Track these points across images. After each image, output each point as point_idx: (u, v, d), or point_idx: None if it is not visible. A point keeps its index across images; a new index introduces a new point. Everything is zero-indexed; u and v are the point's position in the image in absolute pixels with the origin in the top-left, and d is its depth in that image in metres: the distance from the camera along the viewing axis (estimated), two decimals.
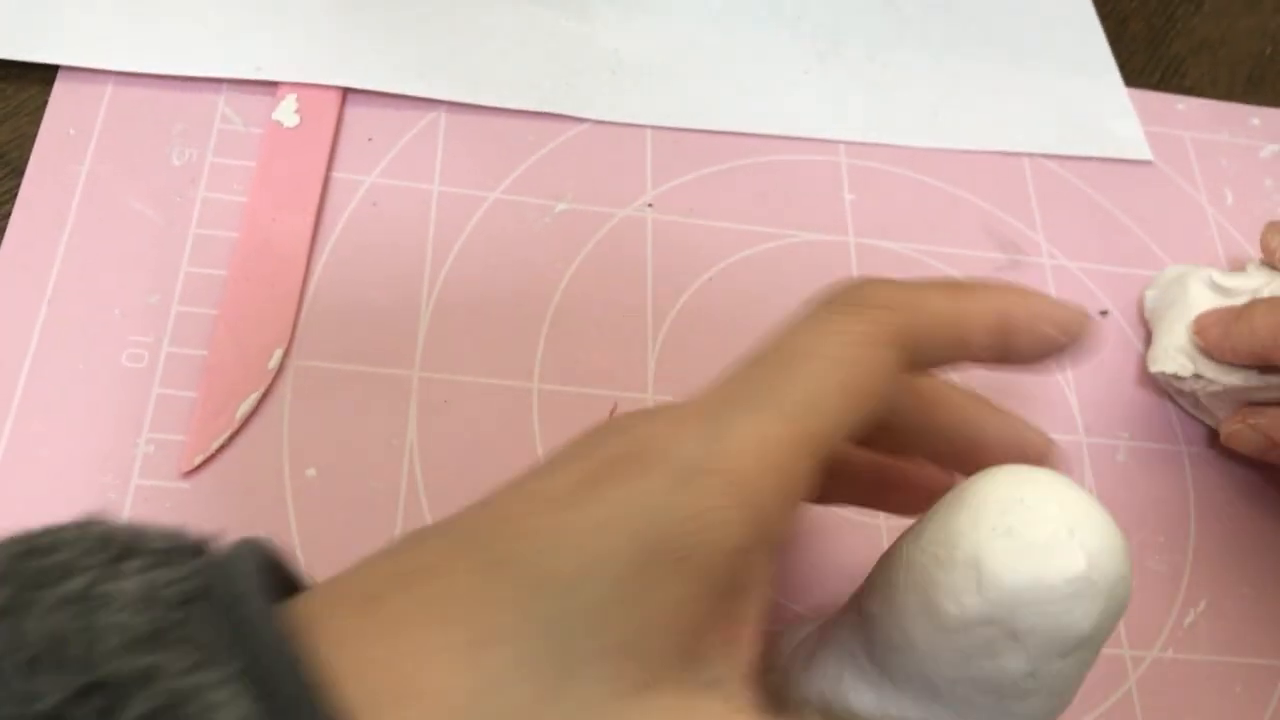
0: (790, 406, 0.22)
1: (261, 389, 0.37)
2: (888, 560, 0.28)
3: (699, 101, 0.48)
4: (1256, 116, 0.53)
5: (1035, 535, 0.25)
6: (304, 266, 0.40)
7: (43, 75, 0.43)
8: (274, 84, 0.44)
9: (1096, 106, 0.52)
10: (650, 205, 0.45)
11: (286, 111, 0.43)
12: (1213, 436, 0.43)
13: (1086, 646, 0.25)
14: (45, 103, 0.42)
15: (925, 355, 0.25)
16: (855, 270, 0.45)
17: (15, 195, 0.40)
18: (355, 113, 0.44)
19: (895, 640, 0.27)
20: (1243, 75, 0.56)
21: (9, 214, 0.39)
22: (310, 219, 0.41)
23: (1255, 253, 0.45)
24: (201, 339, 0.38)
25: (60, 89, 0.42)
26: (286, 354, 0.38)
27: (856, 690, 0.28)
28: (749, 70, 0.49)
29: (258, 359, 0.38)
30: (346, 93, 0.44)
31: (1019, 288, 0.26)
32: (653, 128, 0.47)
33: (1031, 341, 0.26)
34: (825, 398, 0.23)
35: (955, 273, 0.46)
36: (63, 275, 0.38)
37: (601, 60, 0.48)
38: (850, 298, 0.25)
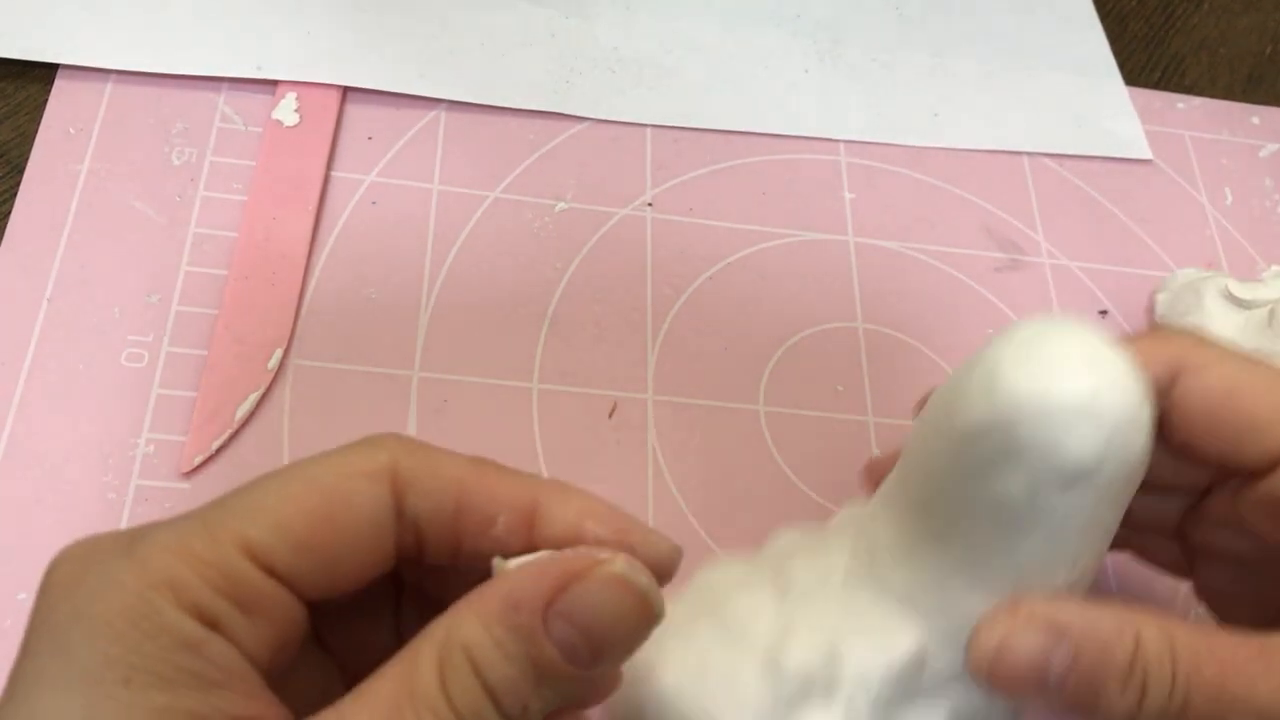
0: (229, 512, 0.22)
1: (261, 389, 0.37)
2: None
3: (699, 101, 0.48)
4: (1256, 115, 0.53)
5: (1052, 357, 0.26)
6: (304, 266, 0.40)
7: (43, 74, 0.43)
8: (274, 83, 0.44)
9: (1096, 106, 0.52)
10: (650, 204, 0.45)
11: (286, 110, 0.43)
12: None
13: (1086, 484, 0.26)
14: (45, 101, 0.42)
15: (422, 511, 0.23)
16: (855, 269, 0.45)
17: (15, 194, 0.40)
18: (355, 112, 0.44)
19: (915, 460, 0.28)
20: (1243, 74, 0.56)
21: (9, 213, 0.39)
22: (310, 218, 0.41)
23: (1255, 252, 0.45)
24: (201, 339, 0.38)
25: (60, 88, 0.42)
26: (286, 354, 0.38)
27: (883, 531, 0.29)
28: (749, 69, 0.49)
29: (257, 359, 0.38)
30: (346, 92, 0.44)
31: (568, 485, 0.24)
32: (652, 127, 0.47)
33: (567, 541, 0.23)
34: (279, 509, 0.22)
35: (956, 272, 0.46)
36: (62, 274, 0.38)
37: (601, 59, 0.48)
38: (362, 439, 0.23)
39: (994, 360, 0.26)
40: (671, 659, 0.29)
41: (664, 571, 0.23)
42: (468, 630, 0.21)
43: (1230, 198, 0.50)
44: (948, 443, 0.27)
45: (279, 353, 0.38)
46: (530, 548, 0.23)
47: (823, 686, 0.28)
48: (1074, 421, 0.25)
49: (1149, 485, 0.30)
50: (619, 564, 0.22)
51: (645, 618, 0.22)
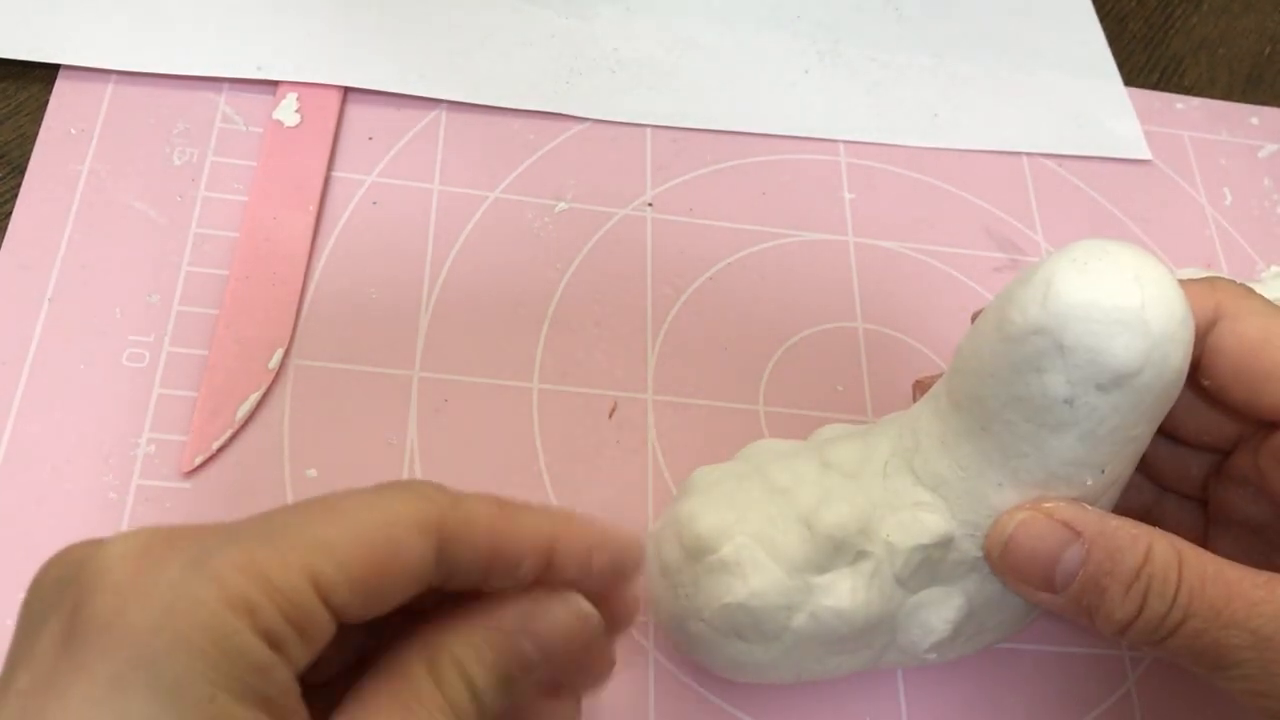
0: (296, 539, 0.23)
1: (262, 389, 0.37)
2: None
3: (699, 101, 0.48)
4: (1256, 116, 0.53)
5: (1104, 270, 0.28)
6: (304, 266, 0.40)
7: (44, 74, 0.43)
8: (275, 83, 0.44)
9: (1096, 106, 0.52)
10: (650, 205, 0.45)
11: (287, 111, 0.43)
12: None
13: (1124, 388, 0.28)
14: (46, 102, 0.42)
15: (461, 559, 0.25)
16: (855, 269, 0.45)
17: (16, 194, 0.40)
18: (356, 112, 0.44)
19: (966, 358, 0.30)
20: (1242, 74, 0.56)
21: (10, 213, 0.39)
22: (311, 218, 0.41)
23: (1254, 253, 0.45)
24: (202, 338, 0.38)
25: (61, 88, 0.42)
26: (287, 354, 0.38)
27: (927, 423, 0.31)
28: (749, 69, 0.49)
29: (258, 359, 0.38)
30: (347, 92, 0.45)
31: (570, 514, 0.26)
32: (652, 127, 0.47)
33: (578, 572, 0.26)
34: (341, 547, 0.23)
35: (956, 272, 0.46)
36: (63, 274, 0.39)
37: (601, 59, 0.48)
38: (403, 483, 0.25)
39: (1050, 270, 0.28)
40: (716, 506, 0.31)
41: (633, 574, 0.28)
42: (458, 648, 0.25)
43: (1229, 198, 0.50)
44: (998, 342, 0.29)
45: (279, 353, 0.38)
46: (546, 579, 0.26)
47: (852, 552, 0.31)
48: (1119, 330, 0.27)
49: (1178, 437, 0.33)
50: (576, 601, 0.26)
51: (588, 637, 0.26)
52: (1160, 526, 0.36)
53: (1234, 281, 0.32)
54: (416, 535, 0.24)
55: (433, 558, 0.24)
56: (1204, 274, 0.44)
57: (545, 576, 0.26)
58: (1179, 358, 0.28)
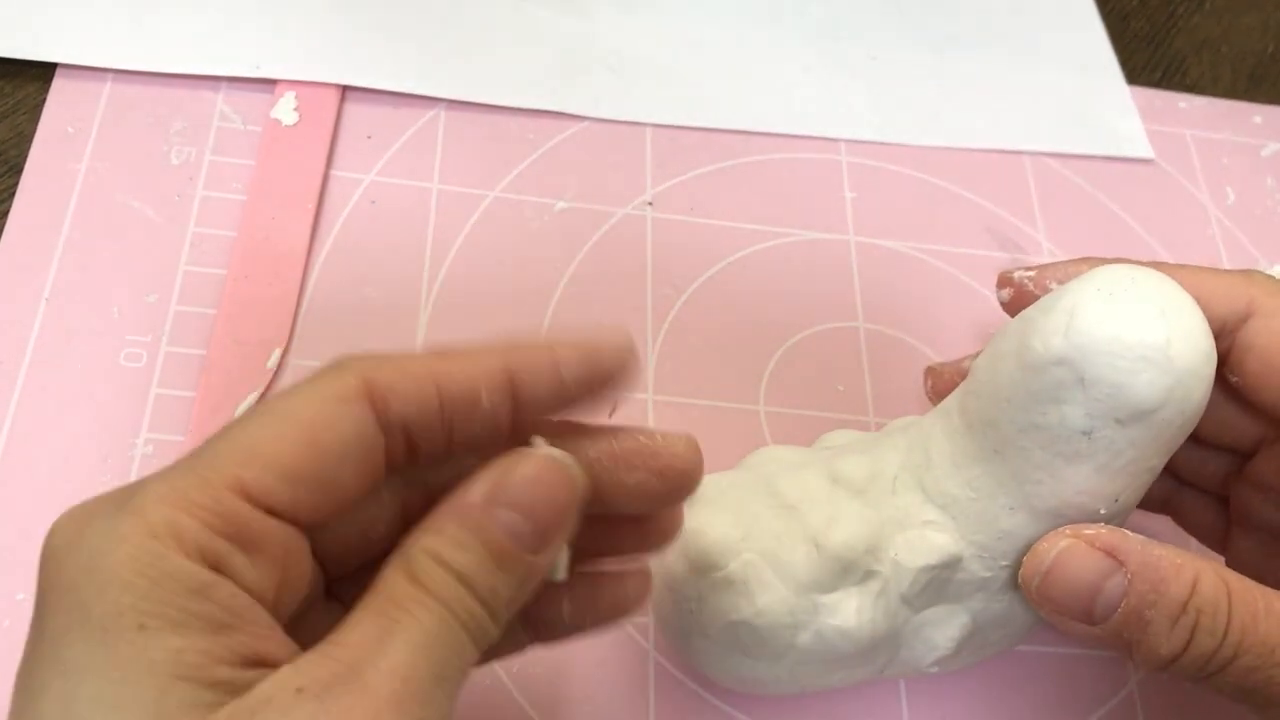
0: (216, 456, 0.22)
1: (260, 389, 0.37)
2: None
3: (699, 99, 0.48)
4: (1258, 114, 0.53)
5: (1131, 303, 0.27)
6: (303, 265, 0.40)
7: (41, 73, 0.42)
8: (273, 82, 0.44)
9: (1098, 104, 0.51)
10: (650, 203, 0.45)
11: (285, 109, 0.43)
12: None
13: (1143, 423, 0.27)
14: (43, 101, 0.42)
15: (408, 414, 0.23)
16: (855, 269, 0.45)
17: (14, 193, 0.40)
18: (354, 110, 0.44)
19: (982, 380, 0.30)
20: (1245, 73, 0.55)
21: (7, 212, 0.39)
22: (309, 218, 0.41)
23: (1257, 252, 0.45)
24: (200, 338, 0.38)
25: (58, 87, 0.42)
26: (285, 353, 0.38)
27: (938, 441, 0.31)
28: (749, 68, 0.49)
29: (256, 358, 0.38)
30: (345, 90, 0.44)
31: (524, 337, 0.25)
32: (653, 126, 0.47)
33: (551, 389, 0.24)
34: (263, 446, 0.22)
35: (957, 272, 0.45)
36: (61, 274, 0.38)
37: (601, 58, 0.48)
38: (324, 365, 0.24)
39: (1074, 300, 0.28)
40: (722, 520, 0.31)
41: (625, 370, 0.25)
42: (426, 540, 0.23)
43: (1232, 197, 0.50)
44: (1017, 369, 0.28)
45: (278, 352, 0.38)
46: (520, 412, 0.24)
47: (860, 572, 0.30)
48: (1143, 367, 0.27)
49: (1200, 438, 0.31)
50: (542, 449, 0.24)
51: (571, 488, 0.24)
52: (1179, 520, 0.36)
53: (1272, 277, 0.31)
54: (339, 404, 0.23)
55: (371, 421, 0.23)
56: None
57: (521, 410, 0.24)
58: (1200, 393, 0.28)
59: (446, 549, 0.22)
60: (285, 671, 0.21)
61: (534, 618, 0.26)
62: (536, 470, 0.23)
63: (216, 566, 0.21)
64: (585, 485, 0.24)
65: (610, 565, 0.27)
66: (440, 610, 0.22)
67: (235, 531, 0.21)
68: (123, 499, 0.22)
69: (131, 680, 0.20)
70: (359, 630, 0.22)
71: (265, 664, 0.21)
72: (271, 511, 0.22)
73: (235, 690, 0.20)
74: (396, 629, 0.21)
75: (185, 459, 0.23)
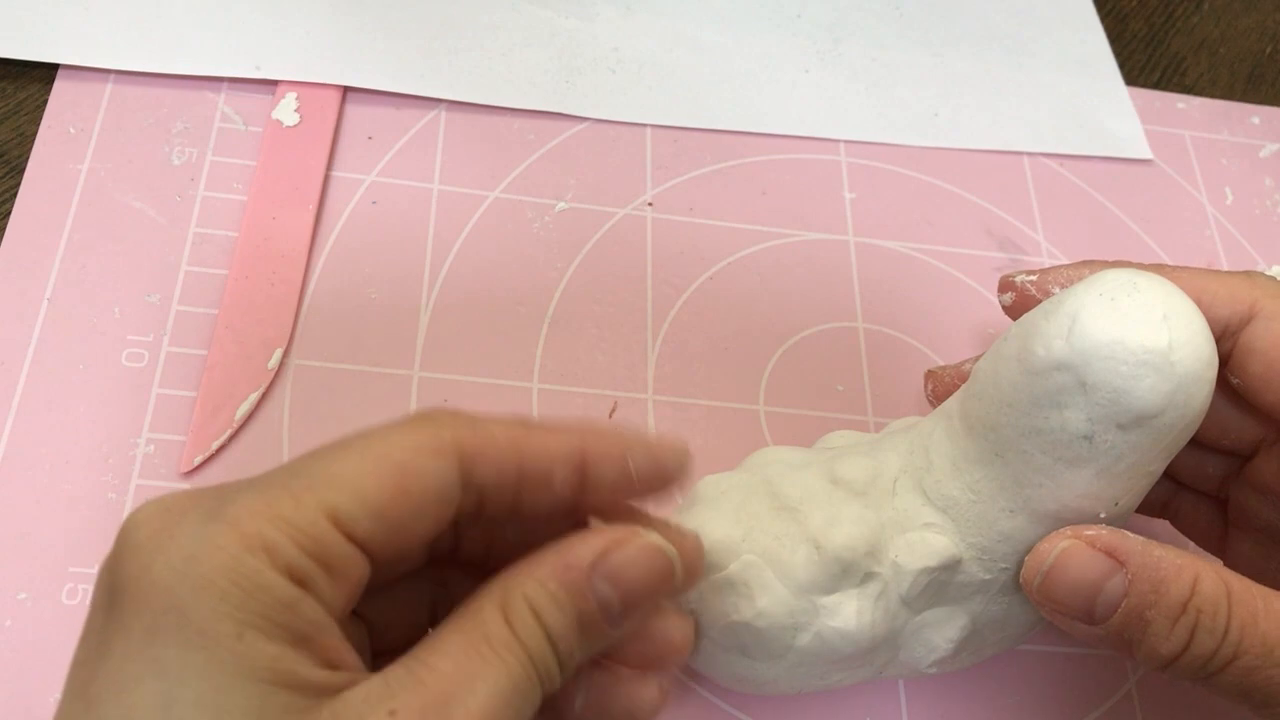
0: (311, 479, 0.23)
1: (261, 389, 0.37)
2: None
3: (699, 100, 0.48)
4: (1257, 115, 0.53)
5: (1132, 308, 0.27)
6: (304, 265, 0.40)
7: (43, 74, 0.43)
8: (274, 83, 0.44)
9: (1096, 105, 0.52)
10: (650, 204, 0.45)
11: (286, 110, 0.43)
12: None
13: (1144, 428, 0.27)
14: (45, 102, 0.42)
15: (487, 477, 0.25)
16: (855, 269, 0.45)
17: (15, 194, 0.40)
18: (355, 111, 0.44)
19: (984, 384, 0.30)
20: (1243, 74, 0.56)
21: (9, 213, 0.39)
22: (310, 218, 0.41)
23: (1255, 253, 0.45)
24: (201, 338, 0.38)
25: (60, 88, 0.42)
26: (286, 353, 0.38)
27: (939, 443, 0.31)
28: (749, 69, 0.49)
29: (257, 358, 0.38)
30: (346, 91, 0.44)
31: (598, 424, 0.26)
32: (653, 126, 0.47)
33: (616, 477, 0.26)
34: (357, 480, 0.23)
35: (956, 272, 0.46)
36: (62, 274, 0.38)
37: (601, 59, 0.48)
38: (417, 413, 0.25)
39: (1076, 304, 0.28)
40: (722, 520, 0.31)
41: (682, 475, 0.27)
42: (529, 586, 0.24)
43: (1230, 198, 0.50)
44: (1018, 374, 0.29)
45: (279, 352, 0.38)
46: (584, 493, 0.26)
47: (860, 573, 0.30)
48: (1145, 372, 0.27)
49: (1200, 440, 0.31)
50: (653, 536, 0.25)
51: (666, 579, 0.25)
52: (1176, 523, 0.36)
53: (1274, 279, 0.31)
54: (433, 458, 0.24)
55: (455, 478, 0.24)
56: None
57: (585, 492, 0.26)
58: (1202, 398, 0.28)
59: (544, 603, 0.24)
60: (375, 685, 0.22)
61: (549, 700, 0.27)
62: (642, 553, 0.25)
63: (302, 583, 0.22)
64: (680, 570, 0.26)
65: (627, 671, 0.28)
66: (527, 662, 0.23)
67: (321, 552, 0.22)
68: (213, 505, 0.22)
69: (234, 686, 0.21)
70: (450, 659, 0.23)
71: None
72: (352, 539, 0.23)
73: (323, 695, 0.22)
74: (487, 670, 0.23)
75: (277, 474, 0.23)
